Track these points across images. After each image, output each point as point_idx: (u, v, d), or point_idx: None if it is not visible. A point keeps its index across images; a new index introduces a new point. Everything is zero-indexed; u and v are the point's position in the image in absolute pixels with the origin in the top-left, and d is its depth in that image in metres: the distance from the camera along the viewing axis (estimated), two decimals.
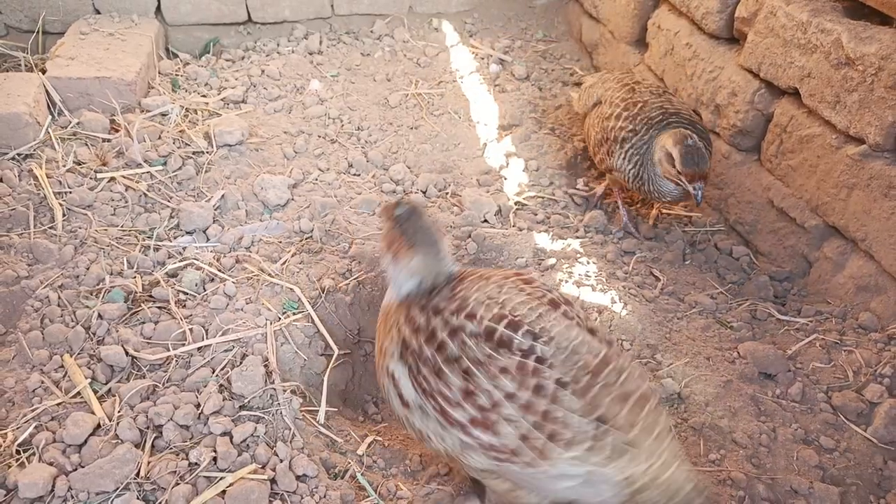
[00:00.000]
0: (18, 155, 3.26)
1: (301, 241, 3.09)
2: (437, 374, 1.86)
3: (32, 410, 2.23)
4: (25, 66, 3.96)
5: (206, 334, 2.55)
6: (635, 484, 1.76)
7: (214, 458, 2.12)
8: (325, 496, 2.12)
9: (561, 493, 1.82)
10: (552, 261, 3.04)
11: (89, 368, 2.39)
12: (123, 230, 3.02)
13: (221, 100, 3.97)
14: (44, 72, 3.66)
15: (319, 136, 3.84)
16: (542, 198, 3.55)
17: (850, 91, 2.71)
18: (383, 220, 2.19)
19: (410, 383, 1.94)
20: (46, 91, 3.56)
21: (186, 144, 3.51)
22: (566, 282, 2.92)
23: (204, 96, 3.98)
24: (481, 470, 1.90)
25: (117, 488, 2.02)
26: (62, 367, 2.40)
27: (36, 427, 2.18)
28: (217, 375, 2.38)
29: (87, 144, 3.43)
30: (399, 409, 2.02)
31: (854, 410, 2.42)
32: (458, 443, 1.87)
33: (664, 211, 3.55)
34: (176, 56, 4.43)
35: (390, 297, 2.15)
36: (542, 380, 1.76)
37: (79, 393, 2.30)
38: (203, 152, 3.48)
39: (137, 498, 2.00)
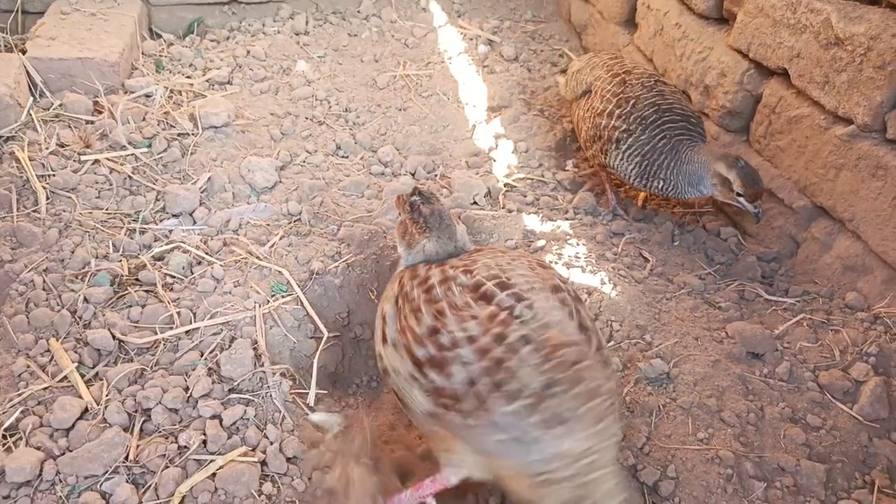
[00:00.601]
0: None
1: (289, 223, 3.07)
2: (415, 312, 1.89)
3: (19, 395, 2.21)
4: (5, 46, 3.89)
5: (194, 318, 2.53)
6: (563, 464, 1.73)
7: (204, 442, 2.11)
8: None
9: (492, 446, 1.81)
10: (542, 242, 3.04)
11: (76, 353, 2.36)
12: (108, 213, 2.98)
13: (206, 81, 3.91)
14: (24, 52, 3.59)
15: (307, 118, 3.81)
16: (532, 179, 3.54)
17: (839, 71, 2.71)
18: (398, 210, 2.28)
19: (395, 322, 1.97)
20: (27, 72, 3.50)
21: (171, 126, 3.47)
22: (556, 263, 2.92)
23: (189, 77, 3.93)
24: (425, 414, 1.89)
25: (106, 472, 2.01)
26: (48, 351, 2.38)
27: (22, 412, 2.16)
28: (206, 359, 2.37)
29: (70, 126, 3.37)
30: (379, 345, 2.04)
31: (840, 389, 2.45)
32: (410, 380, 1.88)
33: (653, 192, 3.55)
34: (159, 36, 4.36)
35: (400, 267, 2.19)
36: (508, 330, 1.77)
37: (65, 377, 2.28)
38: (188, 134, 3.43)
39: (127, 481, 1.99)
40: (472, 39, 4.64)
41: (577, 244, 3.04)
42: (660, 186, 3.06)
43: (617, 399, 1.88)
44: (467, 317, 1.80)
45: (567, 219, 3.27)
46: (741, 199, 2.86)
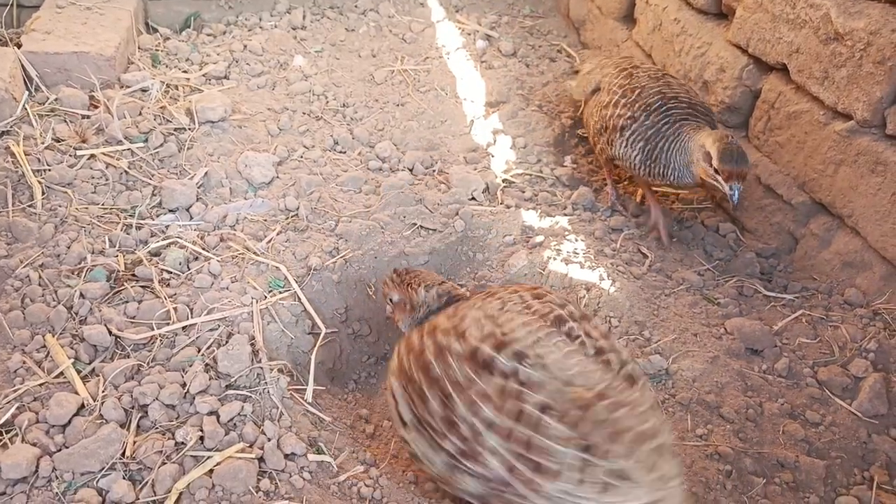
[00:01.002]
0: None
1: (287, 219, 3.05)
2: (421, 397, 1.80)
3: (14, 391, 2.19)
4: (0, 40, 3.86)
5: (191, 313, 2.51)
6: None
7: (201, 438, 2.10)
8: (313, 474, 2.11)
9: None
10: (540, 238, 3.03)
11: (72, 348, 2.35)
12: (104, 208, 2.96)
13: (203, 75, 3.89)
14: (19, 46, 3.56)
15: (304, 113, 3.79)
16: (530, 175, 3.52)
17: (839, 67, 2.70)
18: (391, 296, 2.29)
19: (407, 404, 1.88)
20: (22, 66, 3.47)
21: (168, 121, 3.44)
22: (554, 259, 2.91)
23: (185, 72, 3.91)
24: (475, 494, 1.81)
25: (103, 468, 1.99)
26: (44, 347, 2.36)
27: (18, 408, 2.14)
28: (203, 355, 2.35)
29: (65, 121, 3.35)
30: (399, 427, 1.95)
31: (839, 385, 2.45)
32: (450, 468, 1.81)
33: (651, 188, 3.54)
34: (156, 31, 4.33)
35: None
36: (525, 405, 1.65)
37: (62, 373, 2.26)
38: (185, 129, 3.41)
39: (123, 478, 1.98)
40: (469, 34, 4.62)
41: (576, 240, 3.03)
42: (661, 172, 2.99)
43: (664, 425, 1.76)
44: (475, 398, 1.69)
45: (565, 214, 3.26)
46: (718, 178, 2.72)
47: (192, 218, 3.00)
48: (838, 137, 2.76)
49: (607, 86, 3.24)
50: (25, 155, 3.05)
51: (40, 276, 2.58)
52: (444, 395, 1.75)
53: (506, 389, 1.68)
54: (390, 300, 2.32)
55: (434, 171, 3.47)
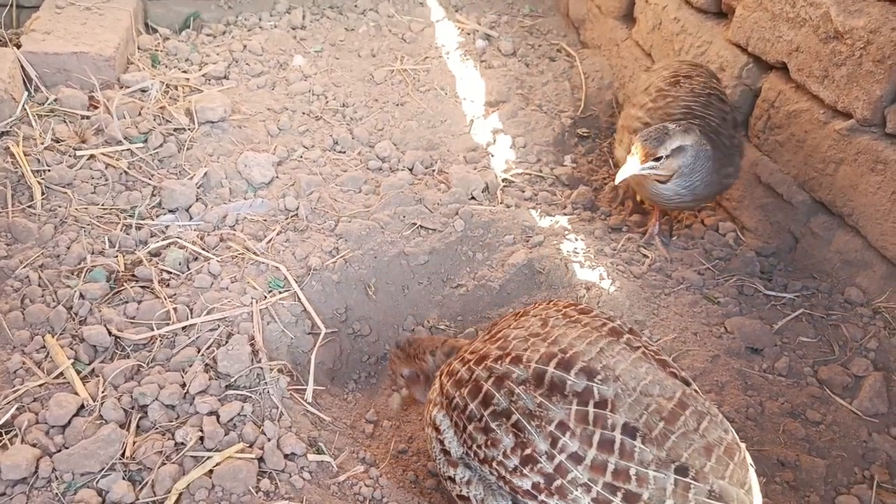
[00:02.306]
0: None
1: (286, 219, 3.05)
2: (486, 432, 1.69)
3: (14, 392, 2.19)
4: None
5: (191, 313, 2.51)
6: None
7: (201, 438, 2.10)
8: (313, 474, 2.11)
9: None
10: (540, 237, 3.03)
11: (72, 349, 2.35)
12: (104, 209, 2.96)
13: (203, 76, 3.89)
14: (18, 46, 3.56)
15: (304, 113, 3.79)
16: (530, 174, 3.52)
17: (839, 65, 2.70)
18: (406, 370, 2.22)
19: (457, 439, 1.80)
20: (22, 66, 3.47)
21: (167, 121, 3.44)
22: (554, 258, 2.91)
23: (185, 72, 3.90)
24: None
25: (102, 469, 1.99)
26: (44, 347, 2.36)
27: (18, 408, 2.14)
28: (202, 355, 2.35)
29: (65, 121, 3.35)
30: (443, 465, 1.86)
31: (840, 384, 2.44)
32: None
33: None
34: (155, 31, 4.33)
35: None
36: (607, 431, 1.57)
37: (61, 373, 2.26)
38: (185, 129, 3.41)
39: (123, 478, 1.98)
40: (469, 34, 4.61)
41: (576, 239, 3.03)
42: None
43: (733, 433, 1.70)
44: (552, 428, 1.59)
45: (565, 214, 3.26)
46: (632, 151, 2.63)
47: (191, 218, 3.00)
48: (838, 136, 2.75)
49: (651, 83, 3.07)
50: (25, 155, 3.05)
51: (40, 277, 2.58)
52: (516, 428, 1.64)
53: (585, 416, 1.60)
54: (402, 376, 2.27)
55: (434, 170, 3.46)
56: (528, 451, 1.62)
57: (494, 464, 1.69)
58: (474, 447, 1.73)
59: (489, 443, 1.69)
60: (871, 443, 2.29)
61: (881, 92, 2.55)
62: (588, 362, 1.66)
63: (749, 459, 1.67)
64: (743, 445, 1.67)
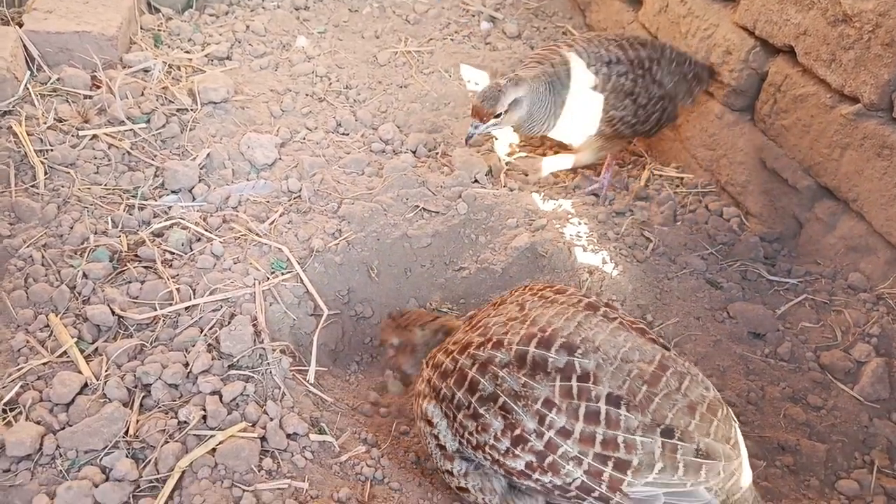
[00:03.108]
0: None
1: (289, 200, 3.05)
2: (476, 418, 1.71)
3: (18, 370, 2.20)
4: (1, 19, 3.83)
5: (194, 294, 2.51)
6: (727, 494, 1.64)
7: (204, 417, 2.11)
8: (315, 454, 2.12)
9: None
10: (543, 221, 3.02)
11: (75, 328, 2.35)
12: (107, 189, 2.96)
13: (205, 56, 3.87)
14: (21, 25, 3.54)
15: (307, 95, 3.77)
16: (534, 158, 3.50)
17: (847, 49, 2.67)
18: (394, 341, 2.26)
19: (451, 432, 1.82)
20: (24, 45, 3.45)
21: (170, 101, 3.43)
22: (558, 242, 2.90)
23: (187, 52, 3.88)
24: None
25: (106, 446, 2.01)
26: (47, 326, 2.36)
27: (22, 386, 2.15)
28: (205, 335, 2.36)
29: (67, 101, 3.34)
30: (440, 460, 1.88)
31: (842, 369, 2.44)
32: (517, 493, 1.77)
33: (656, 172, 3.53)
34: (158, 11, 4.30)
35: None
36: (592, 403, 1.60)
37: (65, 352, 2.27)
38: (187, 110, 3.40)
39: (126, 456, 1.99)
40: (474, 16, 4.58)
41: (579, 223, 3.02)
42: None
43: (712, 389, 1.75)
44: (540, 406, 1.62)
45: (568, 197, 3.25)
46: None
47: (194, 199, 3.00)
48: (845, 121, 2.74)
49: None
50: (28, 135, 3.04)
51: (43, 256, 2.58)
52: (504, 410, 1.67)
53: (569, 391, 1.62)
54: (392, 345, 2.30)
55: (437, 153, 3.45)
56: (517, 432, 1.65)
57: (487, 448, 1.71)
58: (466, 435, 1.76)
59: (479, 428, 1.71)
60: (871, 428, 2.30)
61: (889, 76, 2.52)
62: (567, 337, 1.70)
63: (732, 415, 1.70)
64: (724, 404, 1.70)
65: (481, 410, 1.70)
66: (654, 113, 3.16)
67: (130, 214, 2.84)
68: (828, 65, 2.77)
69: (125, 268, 2.59)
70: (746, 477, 1.71)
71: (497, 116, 2.80)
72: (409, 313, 2.23)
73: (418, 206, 3.05)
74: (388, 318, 2.30)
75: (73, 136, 3.13)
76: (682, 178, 3.51)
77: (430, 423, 1.87)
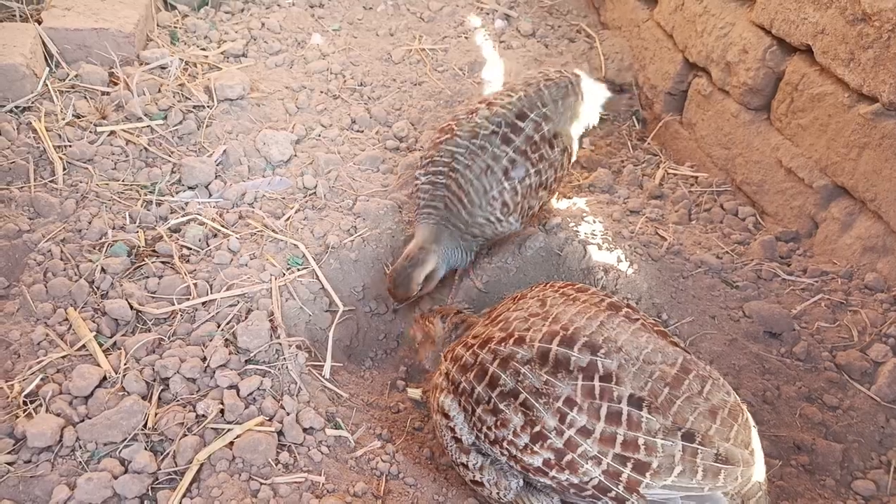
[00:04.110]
0: (16, 108, 3.20)
1: (305, 197, 3.06)
2: (495, 413, 1.71)
3: (38, 362, 2.23)
4: (20, 16, 3.86)
5: (211, 289, 2.53)
6: (742, 499, 1.64)
7: (221, 411, 2.12)
8: (331, 448, 2.14)
9: None
10: (557, 220, 3.02)
11: (94, 322, 2.38)
12: (125, 185, 2.98)
13: (221, 53, 3.89)
14: (39, 22, 3.57)
15: (322, 92, 3.78)
16: None
17: (865, 48, 2.65)
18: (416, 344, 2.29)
19: (467, 424, 1.82)
20: (43, 42, 3.48)
21: (187, 98, 3.45)
22: (573, 240, 2.90)
23: (203, 49, 3.90)
24: None
25: (125, 439, 2.03)
26: (66, 320, 2.39)
27: (42, 379, 2.18)
28: (222, 330, 2.38)
29: (85, 97, 3.37)
30: (455, 453, 1.88)
31: (858, 369, 2.43)
32: (532, 491, 1.77)
33: (670, 171, 3.52)
34: (174, 8, 4.32)
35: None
36: (614, 404, 1.60)
37: (84, 346, 2.30)
38: (204, 106, 3.42)
39: (145, 448, 2.01)
40: (488, 14, 4.58)
41: (594, 221, 3.02)
42: None
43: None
44: (559, 404, 1.62)
45: (583, 196, 3.25)
46: None
47: (210, 195, 3.02)
48: (863, 120, 2.72)
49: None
50: (47, 131, 3.07)
51: (62, 251, 2.61)
52: (524, 407, 1.67)
53: (591, 391, 1.62)
54: (416, 339, 2.34)
55: None
56: (537, 429, 1.65)
57: (505, 444, 1.71)
58: (484, 429, 1.76)
59: (499, 423, 1.71)
60: (888, 428, 2.29)
61: None
62: (590, 337, 1.69)
63: (752, 421, 1.69)
64: (744, 409, 1.69)
65: (501, 406, 1.70)
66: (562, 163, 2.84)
67: (148, 210, 2.86)
68: (846, 64, 2.75)
69: (143, 263, 2.62)
70: (761, 480, 1.70)
71: (419, 292, 2.66)
72: (436, 310, 2.25)
73: None
74: (416, 315, 2.34)
75: (91, 132, 3.16)
76: (696, 178, 3.50)
77: (446, 416, 1.88)
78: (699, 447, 1.58)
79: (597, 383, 1.62)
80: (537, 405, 1.65)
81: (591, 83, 3.03)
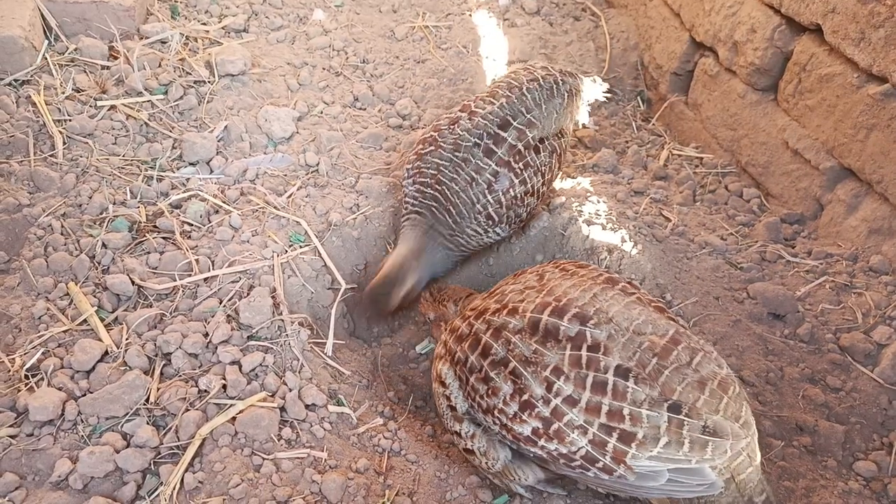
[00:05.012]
0: (15, 81, 3.16)
1: (307, 174, 3.04)
2: (486, 381, 1.73)
3: (39, 337, 2.22)
4: None
5: (213, 265, 2.52)
6: (732, 473, 1.64)
7: (224, 386, 2.12)
8: (333, 425, 2.13)
9: (650, 494, 1.68)
10: (561, 199, 3.00)
11: (95, 297, 2.37)
12: (125, 160, 2.95)
13: (222, 28, 3.84)
14: None
15: (324, 69, 3.74)
16: None
17: (877, 27, 2.62)
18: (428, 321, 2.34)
19: (461, 393, 1.84)
20: (42, 15, 3.43)
21: (188, 73, 3.41)
22: (576, 220, 2.88)
23: (204, 24, 3.85)
24: (530, 485, 1.80)
25: (127, 413, 2.02)
26: (67, 295, 2.38)
27: (44, 353, 2.17)
28: (224, 306, 2.37)
29: (85, 71, 3.32)
30: (450, 420, 1.91)
31: (862, 351, 2.43)
32: (521, 460, 1.79)
33: (675, 152, 3.49)
34: None
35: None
36: (600, 374, 1.60)
37: (85, 320, 2.29)
38: (205, 82, 3.38)
39: (147, 423, 2.01)
40: None
41: (598, 202, 3.00)
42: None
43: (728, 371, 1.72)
44: (547, 373, 1.63)
45: (587, 176, 3.23)
46: None
47: (212, 171, 2.99)
48: (871, 101, 2.69)
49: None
50: (46, 104, 3.04)
51: (62, 226, 2.59)
52: (513, 375, 1.68)
53: (578, 360, 1.62)
54: (429, 319, 2.35)
55: None
56: (525, 397, 1.67)
57: (496, 412, 1.74)
58: (476, 398, 1.78)
59: (489, 392, 1.73)
60: (891, 410, 2.29)
61: None
62: (581, 308, 1.70)
63: (745, 394, 1.68)
64: (736, 382, 1.68)
65: (492, 374, 1.72)
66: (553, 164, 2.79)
67: (149, 185, 2.84)
68: (856, 43, 2.72)
69: (144, 238, 2.60)
70: (755, 457, 1.69)
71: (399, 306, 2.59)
72: (447, 289, 2.26)
73: None
74: (427, 292, 2.35)
75: (91, 106, 3.13)
76: (701, 159, 3.47)
77: (443, 383, 1.90)
78: (685, 419, 1.57)
79: (584, 353, 1.63)
80: (525, 373, 1.67)
81: (582, 82, 2.98)
